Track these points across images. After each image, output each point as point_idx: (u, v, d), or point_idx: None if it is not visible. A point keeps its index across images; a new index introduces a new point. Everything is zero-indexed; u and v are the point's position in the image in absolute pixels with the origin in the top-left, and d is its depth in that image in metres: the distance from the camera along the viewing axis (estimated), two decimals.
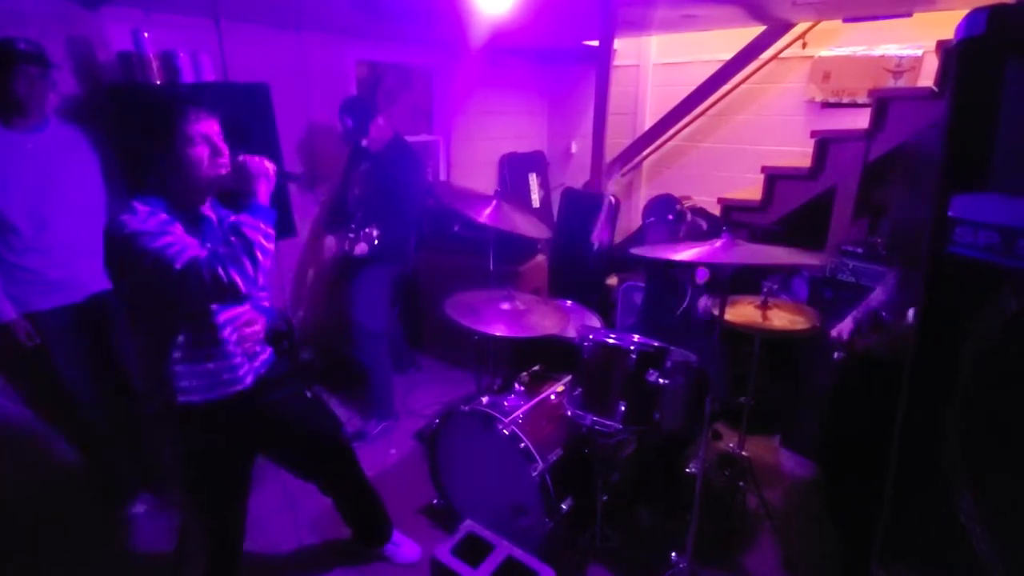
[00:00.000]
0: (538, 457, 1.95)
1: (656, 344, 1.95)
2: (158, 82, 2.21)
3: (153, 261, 1.35)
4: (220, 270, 1.35)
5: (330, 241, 2.96)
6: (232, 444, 1.68)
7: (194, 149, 1.47)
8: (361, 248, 2.69)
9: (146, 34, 2.18)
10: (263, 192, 1.53)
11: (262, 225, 1.46)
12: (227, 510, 1.73)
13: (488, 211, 2.31)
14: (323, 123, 3.31)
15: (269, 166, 1.56)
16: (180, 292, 1.40)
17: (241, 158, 1.54)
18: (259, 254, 1.43)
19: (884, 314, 1.99)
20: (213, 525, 1.73)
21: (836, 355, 2.13)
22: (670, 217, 2.47)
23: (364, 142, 2.81)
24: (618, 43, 3.55)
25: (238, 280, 1.37)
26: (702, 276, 2.51)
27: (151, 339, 1.54)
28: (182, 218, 1.48)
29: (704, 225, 2.61)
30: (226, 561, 1.76)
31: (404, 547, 2.16)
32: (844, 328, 2.11)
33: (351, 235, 2.70)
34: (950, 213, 0.93)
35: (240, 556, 1.79)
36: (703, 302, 2.50)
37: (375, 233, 2.66)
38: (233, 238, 1.41)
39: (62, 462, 2.44)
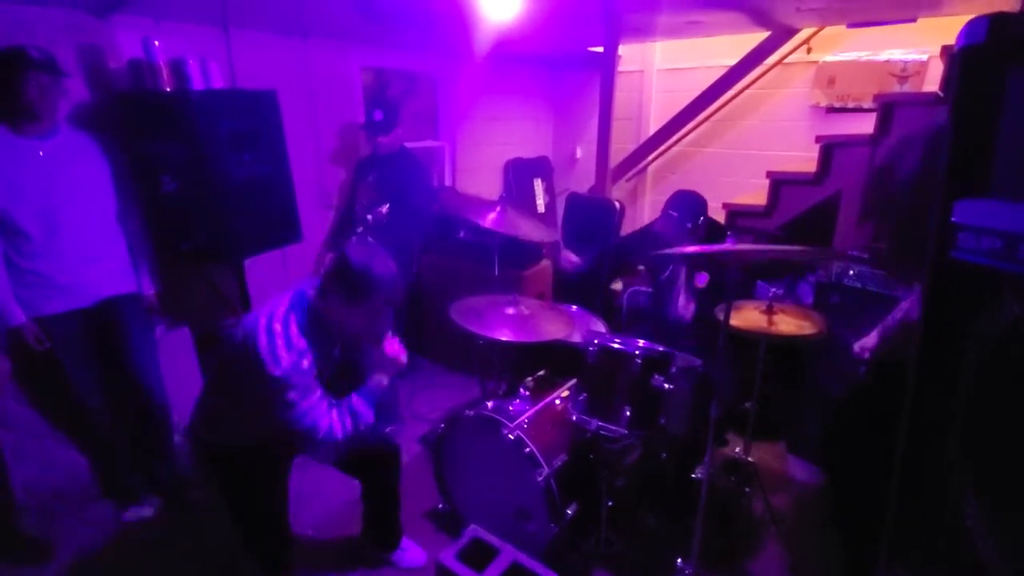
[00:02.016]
0: (543, 462, 1.95)
1: (661, 349, 1.96)
2: (168, 89, 2.24)
3: (286, 413, 1.53)
4: (330, 433, 1.59)
5: (331, 258, 3.00)
6: (282, 461, 1.82)
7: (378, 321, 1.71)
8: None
9: (156, 42, 2.21)
10: (389, 378, 1.76)
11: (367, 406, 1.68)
12: (275, 518, 1.82)
13: (493, 216, 2.33)
14: (329, 129, 3.34)
15: (403, 360, 1.78)
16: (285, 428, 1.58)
17: (390, 349, 1.76)
18: (361, 426, 1.66)
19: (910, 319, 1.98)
20: (266, 536, 1.82)
21: (862, 370, 2.12)
22: (688, 225, 2.49)
23: (382, 139, 2.98)
24: (622, 49, 3.56)
25: (327, 438, 1.59)
26: (702, 280, 2.51)
27: (237, 418, 1.67)
28: (317, 353, 1.60)
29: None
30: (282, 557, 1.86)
31: (410, 552, 2.16)
32: (868, 344, 2.09)
33: (359, 229, 2.74)
34: (953, 218, 0.94)
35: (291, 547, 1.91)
36: (681, 300, 2.52)
37: (384, 209, 2.70)
38: (347, 410, 1.64)
39: (69, 465, 2.46)
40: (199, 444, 1.76)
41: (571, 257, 2.61)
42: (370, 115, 2.99)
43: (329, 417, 1.59)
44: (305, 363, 1.52)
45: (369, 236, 2.80)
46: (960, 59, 0.92)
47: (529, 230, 2.48)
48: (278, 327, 1.51)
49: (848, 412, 2.23)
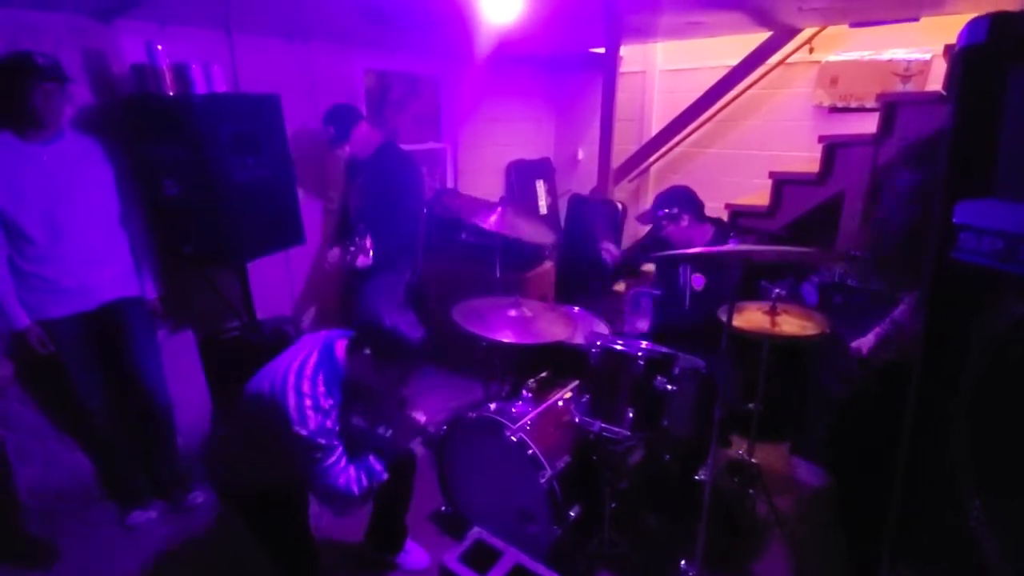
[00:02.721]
0: (546, 464, 1.95)
1: (664, 350, 1.95)
2: (171, 93, 2.25)
3: (308, 469, 1.57)
4: (347, 490, 1.61)
5: (334, 253, 2.99)
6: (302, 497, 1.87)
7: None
8: (363, 260, 2.73)
9: (159, 46, 2.22)
10: (407, 441, 1.84)
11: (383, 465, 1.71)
12: (300, 538, 1.86)
13: (494, 218, 2.34)
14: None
15: (423, 426, 1.85)
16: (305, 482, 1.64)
17: (415, 416, 1.82)
18: (375, 484, 1.67)
19: (908, 326, 1.97)
20: (294, 557, 1.84)
21: (856, 368, 2.11)
22: (660, 213, 2.45)
23: (348, 148, 2.88)
24: (624, 50, 3.56)
25: (345, 494, 1.61)
26: (699, 283, 2.49)
27: (259, 464, 1.70)
28: (342, 410, 1.65)
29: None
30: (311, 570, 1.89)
31: (413, 554, 2.17)
32: (865, 343, 2.08)
33: (352, 247, 2.74)
34: (954, 219, 0.93)
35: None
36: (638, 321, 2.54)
37: (368, 243, 2.69)
38: (364, 469, 1.66)
39: (73, 467, 2.47)
40: (219, 485, 1.81)
41: (611, 249, 2.65)
42: (326, 132, 2.87)
43: (347, 475, 1.61)
44: (329, 423, 1.56)
45: (366, 244, 2.78)
46: (961, 58, 0.92)
47: (530, 232, 2.49)
48: (306, 386, 1.54)
49: (852, 413, 2.22)
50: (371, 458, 1.69)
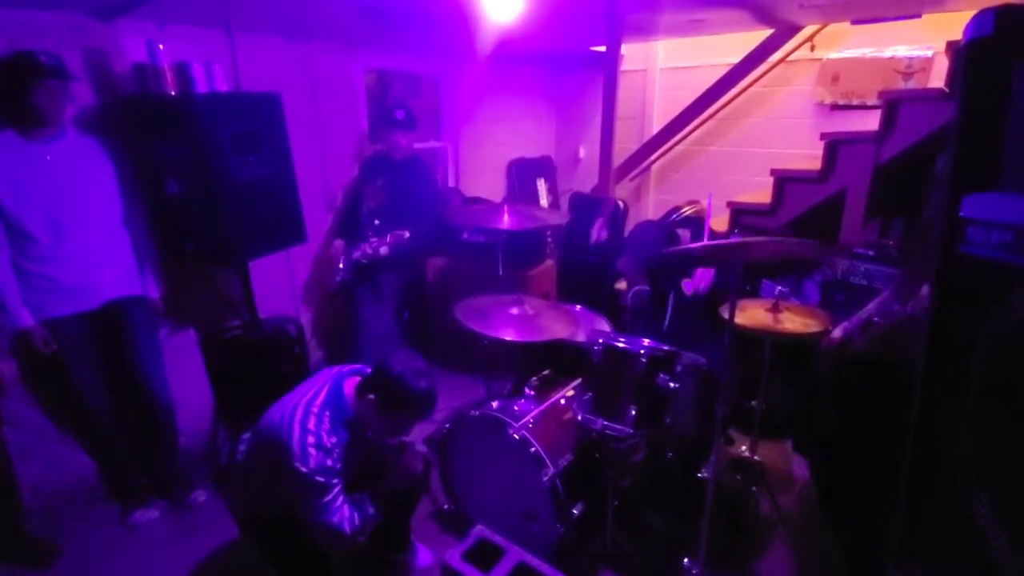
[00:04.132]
0: (549, 462, 1.94)
1: (666, 348, 1.95)
2: (172, 92, 2.25)
3: (303, 503, 1.59)
4: (339, 528, 1.61)
5: (339, 244, 3.00)
6: None
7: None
8: (384, 250, 2.77)
9: (161, 46, 2.22)
10: (399, 485, 1.86)
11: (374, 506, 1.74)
12: (312, 558, 1.83)
13: (506, 217, 2.39)
14: (333, 130, 3.34)
15: (419, 471, 1.91)
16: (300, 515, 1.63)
17: (417, 448, 1.90)
18: (367, 522, 1.69)
19: (876, 319, 1.97)
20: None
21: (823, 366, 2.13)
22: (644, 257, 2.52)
23: (400, 141, 3.01)
24: (625, 48, 3.55)
25: (337, 530, 1.62)
26: (689, 288, 2.50)
27: (267, 493, 1.69)
28: (345, 449, 1.65)
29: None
30: None
31: (417, 553, 2.16)
32: (837, 331, 2.09)
33: (374, 238, 2.77)
34: (962, 213, 0.93)
35: None
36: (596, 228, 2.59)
37: (406, 235, 2.73)
38: (357, 508, 1.68)
39: (76, 466, 2.47)
40: (233, 507, 1.83)
41: (601, 232, 2.74)
42: (391, 114, 3.01)
43: (340, 513, 1.62)
44: (330, 461, 1.57)
45: (384, 247, 2.80)
46: (967, 52, 0.92)
47: (544, 216, 2.65)
48: (312, 423, 1.56)
49: (828, 411, 2.20)
50: (365, 498, 1.71)
